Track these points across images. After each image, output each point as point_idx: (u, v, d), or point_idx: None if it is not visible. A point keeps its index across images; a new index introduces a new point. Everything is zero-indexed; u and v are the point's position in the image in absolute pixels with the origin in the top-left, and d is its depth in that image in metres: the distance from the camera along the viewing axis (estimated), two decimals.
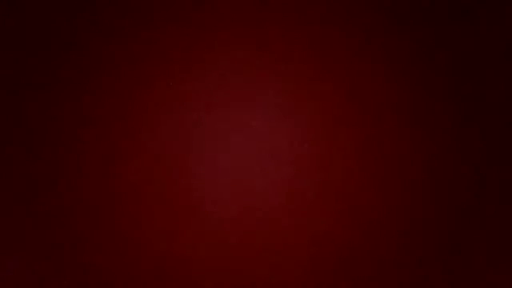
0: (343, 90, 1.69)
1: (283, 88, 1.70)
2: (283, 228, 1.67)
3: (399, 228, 1.67)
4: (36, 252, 1.67)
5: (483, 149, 1.68)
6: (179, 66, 1.70)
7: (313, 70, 1.70)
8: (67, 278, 1.67)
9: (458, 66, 1.70)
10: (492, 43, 1.69)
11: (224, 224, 1.67)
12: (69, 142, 1.69)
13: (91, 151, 1.69)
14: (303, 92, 1.69)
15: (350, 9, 1.70)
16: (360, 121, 1.68)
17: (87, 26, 1.71)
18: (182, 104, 1.70)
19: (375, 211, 1.67)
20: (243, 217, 1.67)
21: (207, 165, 1.68)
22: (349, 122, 1.68)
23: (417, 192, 1.67)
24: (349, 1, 1.70)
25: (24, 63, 1.70)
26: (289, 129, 1.69)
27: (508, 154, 1.68)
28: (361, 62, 1.69)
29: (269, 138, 1.69)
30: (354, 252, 1.67)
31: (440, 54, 1.70)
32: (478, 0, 1.70)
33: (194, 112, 1.69)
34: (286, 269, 1.67)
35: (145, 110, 1.70)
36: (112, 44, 1.71)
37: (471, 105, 1.69)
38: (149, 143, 1.69)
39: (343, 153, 1.68)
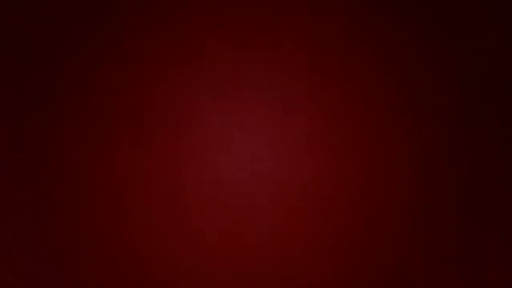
0: (342, 89, 1.69)
1: (283, 87, 1.70)
2: (284, 229, 1.67)
3: (402, 226, 1.67)
4: (36, 252, 1.68)
5: (485, 148, 1.68)
6: (181, 66, 1.70)
7: (312, 70, 1.70)
8: (68, 278, 1.68)
9: (460, 64, 1.69)
10: (493, 41, 1.69)
11: (225, 225, 1.68)
12: (71, 143, 1.70)
13: (92, 151, 1.69)
14: (303, 92, 1.69)
15: (350, 7, 1.70)
16: (361, 120, 1.69)
17: (89, 28, 1.71)
18: (183, 104, 1.70)
19: (378, 210, 1.67)
20: (245, 217, 1.68)
21: (208, 167, 1.69)
22: (350, 121, 1.69)
23: (417, 191, 1.67)
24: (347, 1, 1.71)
25: (25, 64, 1.71)
26: (290, 129, 1.69)
27: (509, 153, 1.68)
28: (360, 60, 1.69)
29: (269, 139, 1.69)
30: (358, 251, 1.67)
31: (441, 51, 1.69)
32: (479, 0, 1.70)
33: (195, 113, 1.70)
34: (290, 270, 1.68)
35: (146, 111, 1.70)
36: (115, 45, 1.71)
37: (473, 103, 1.69)
38: (150, 144, 1.69)
39: (343, 152, 1.68)
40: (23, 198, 1.69)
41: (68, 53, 1.71)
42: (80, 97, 1.70)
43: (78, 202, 1.69)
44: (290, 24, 1.70)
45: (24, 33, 1.71)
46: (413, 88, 1.69)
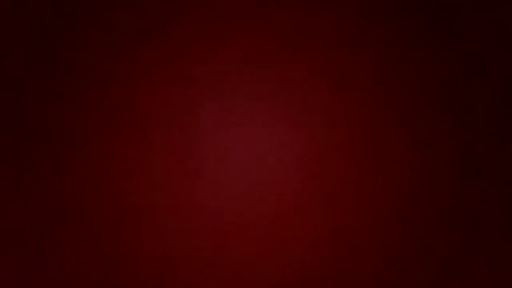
0: (340, 90, 1.70)
1: (283, 88, 1.70)
2: (283, 230, 1.68)
3: (398, 226, 1.68)
4: (36, 252, 1.68)
5: (484, 147, 1.68)
6: (181, 68, 1.71)
7: (310, 71, 1.70)
8: (67, 278, 1.68)
9: (456, 65, 1.70)
10: (492, 42, 1.70)
11: (225, 225, 1.68)
12: (71, 143, 1.70)
13: (93, 151, 1.69)
14: (303, 93, 1.70)
15: (348, 10, 1.71)
16: (358, 121, 1.69)
17: (88, 28, 1.71)
18: (183, 105, 1.70)
19: (374, 209, 1.67)
20: (245, 217, 1.68)
21: (208, 167, 1.69)
22: (348, 122, 1.69)
23: (415, 192, 1.68)
24: (346, 2, 1.71)
25: (25, 64, 1.71)
26: (289, 130, 1.69)
27: (508, 153, 1.68)
28: (357, 61, 1.70)
29: (269, 139, 1.70)
30: (354, 251, 1.67)
31: (437, 53, 1.70)
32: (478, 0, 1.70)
33: (195, 114, 1.70)
34: (287, 269, 1.67)
35: (147, 112, 1.70)
36: (116, 46, 1.71)
37: (470, 103, 1.69)
38: (151, 145, 1.69)
39: (341, 152, 1.69)
40: (23, 196, 1.69)
41: (72, 53, 1.71)
42: (82, 96, 1.71)
43: (79, 201, 1.69)
44: (290, 27, 1.71)
45: (25, 32, 1.72)
46: (412, 89, 1.70)
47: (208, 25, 1.71)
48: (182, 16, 1.71)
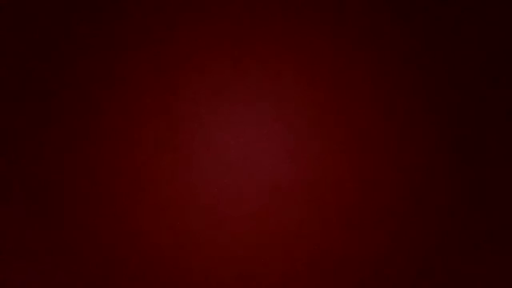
0: (338, 91, 1.70)
1: (282, 89, 1.70)
2: (279, 228, 1.68)
3: (394, 227, 1.68)
4: (38, 251, 1.68)
5: (482, 148, 1.68)
6: (182, 68, 1.71)
7: (308, 73, 1.70)
8: (68, 278, 1.68)
9: (453, 68, 1.70)
10: (490, 44, 1.70)
11: (224, 224, 1.68)
12: (70, 142, 1.70)
13: (93, 151, 1.69)
14: (301, 95, 1.70)
15: (343, 11, 1.71)
16: (356, 122, 1.69)
17: (90, 32, 1.71)
18: (184, 105, 1.70)
19: (371, 210, 1.67)
20: (242, 216, 1.68)
21: (208, 166, 1.69)
22: (345, 123, 1.69)
23: (413, 192, 1.68)
24: (341, 4, 1.71)
25: (27, 66, 1.71)
26: (287, 130, 1.70)
27: (507, 153, 1.68)
28: (355, 64, 1.70)
29: (268, 139, 1.70)
30: (350, 251, 1.67)
31: (433, 55, 1.70)
32: (476, 1, 1.70)
33: (195, 113, 1.70)
34: (285, 267, 1.68)
35: (148, 110, 1.70)
36: (117, 46, 1.71)
37: (468, 105, 1.69)
38: (151, 144, 1.70)
39: (338, 153, 1.69)
40: (20, 195, 1.69)
41: (70, 56, 1.72)
42: (87, 96, 1.71)
43: (81, 204, 1.69)
44: (290, 28, 1.71)
45: (29, 35, 1.72)
46: (411, 91, 1.70)
47: (209, 28, 1.72)
48: (185, 21, 1.72)
